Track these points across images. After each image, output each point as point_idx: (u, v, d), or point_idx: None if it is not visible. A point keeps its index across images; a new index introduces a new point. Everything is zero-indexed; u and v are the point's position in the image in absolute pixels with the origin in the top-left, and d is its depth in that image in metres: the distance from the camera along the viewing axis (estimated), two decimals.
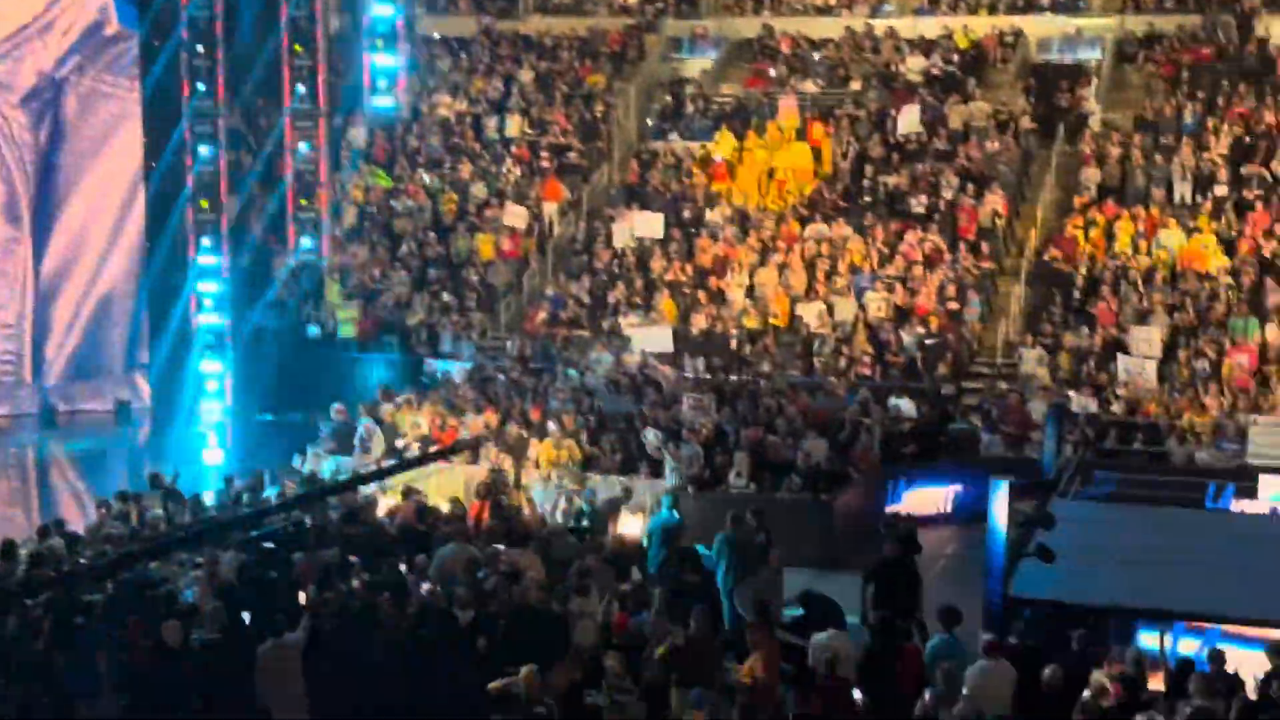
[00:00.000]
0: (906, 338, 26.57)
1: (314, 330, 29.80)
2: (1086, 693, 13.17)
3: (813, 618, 16.32)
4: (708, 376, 25.91)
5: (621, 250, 30.15)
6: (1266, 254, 26.98)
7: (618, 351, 27.19)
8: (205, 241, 29.63)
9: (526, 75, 35.47)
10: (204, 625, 15.07)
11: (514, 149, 33.34)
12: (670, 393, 24.49)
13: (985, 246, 28.76)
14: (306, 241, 31.61)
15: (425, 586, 16.19)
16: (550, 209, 32.32)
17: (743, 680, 14.02)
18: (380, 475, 20.18)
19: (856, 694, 13.82)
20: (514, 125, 34.08)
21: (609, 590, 16.45)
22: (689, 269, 29.34)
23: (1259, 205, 28.04)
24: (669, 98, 34.48)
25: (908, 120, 31.11)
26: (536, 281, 31.03)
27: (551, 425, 22.98)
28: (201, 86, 29.68)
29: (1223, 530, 19.70)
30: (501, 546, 17.82)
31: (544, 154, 33.13)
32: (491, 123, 34.29)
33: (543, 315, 28.87)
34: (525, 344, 27.66)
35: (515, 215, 31.34)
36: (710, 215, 30.57)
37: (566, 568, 16.76)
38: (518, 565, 16.67)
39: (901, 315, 27.16)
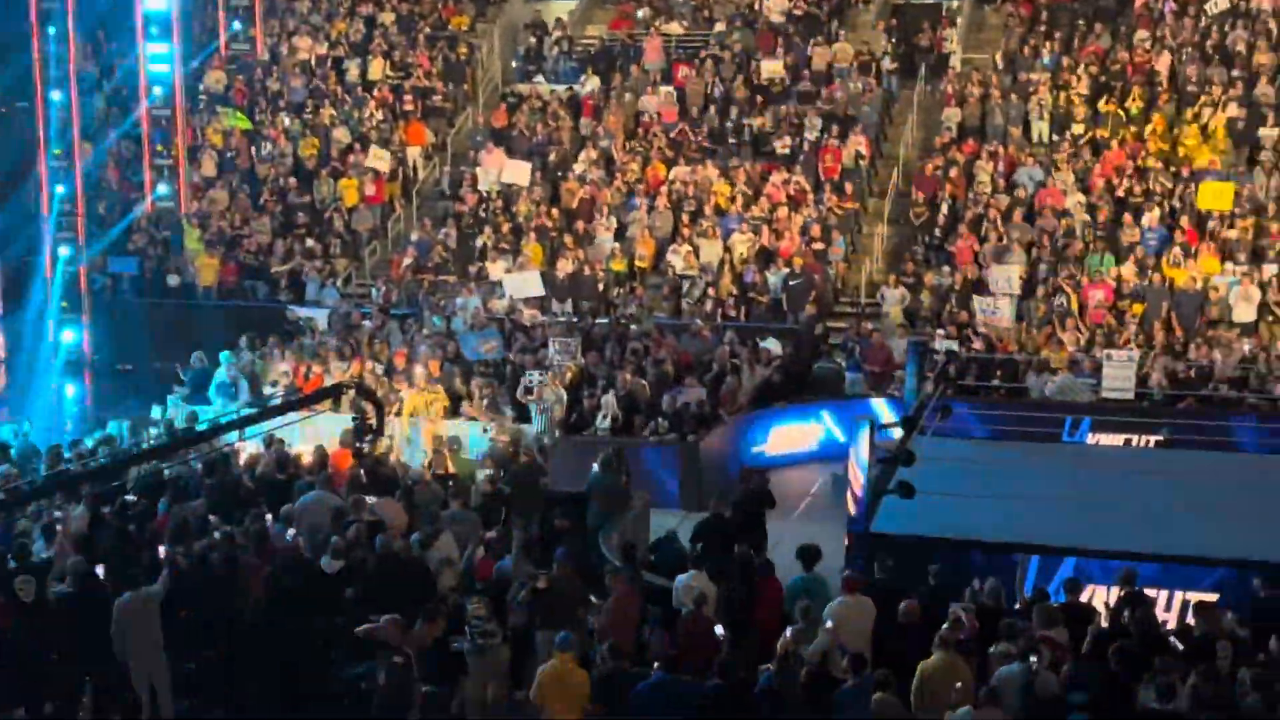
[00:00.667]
0: (772, 278, 26.70)
1: (173, 279, 29.20)
2: (944, 626, 13.40)
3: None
4: (575, 320, 25.83)
5: (487, 194, 29.91)
6: (1121, 192, 27.47)
7: (485, 296, 27.04)
8: (59, 189, 28.81)
9: (388, 17, 34.98)
10: (62, 579, 14.83)
11: (376, 92, 32.85)
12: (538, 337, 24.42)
13: (849, 187, 28.96)
14: (163, 188, 30.98)
15: (290, 534, 16.05)
16: (414, 153, 31.99)
17: (598, 623, 14.11)
18: (242, 424, 19.84)
19: (719, 630, 13.94)
20: (376, 68, 33.58)
21: (473, 537, 16.41)
22: (555, 212, 29.19)
23: (1114, 144, 28.54)
24: (533, 40, 34.19)
25: (770, 68, 31.21)
26: (401, 227, 30.72)
27: (419, 370, 22.78)
28: (52, 29, 28.77)
29: (1079, 463, 20.14)
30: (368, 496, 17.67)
31: (407, 97, 32.70)
32: (353, 66, 33.75)
33: (408, 261, 28.57)
34: (391, 290, 27.35)
35: (379, 159, 30.93)
36: (576, 158, 30.43)
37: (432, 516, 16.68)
38: (382, 514, 16.57)
39: (767, 256, 27.27)
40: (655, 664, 13.10)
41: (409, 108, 32.50)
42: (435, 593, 14.76)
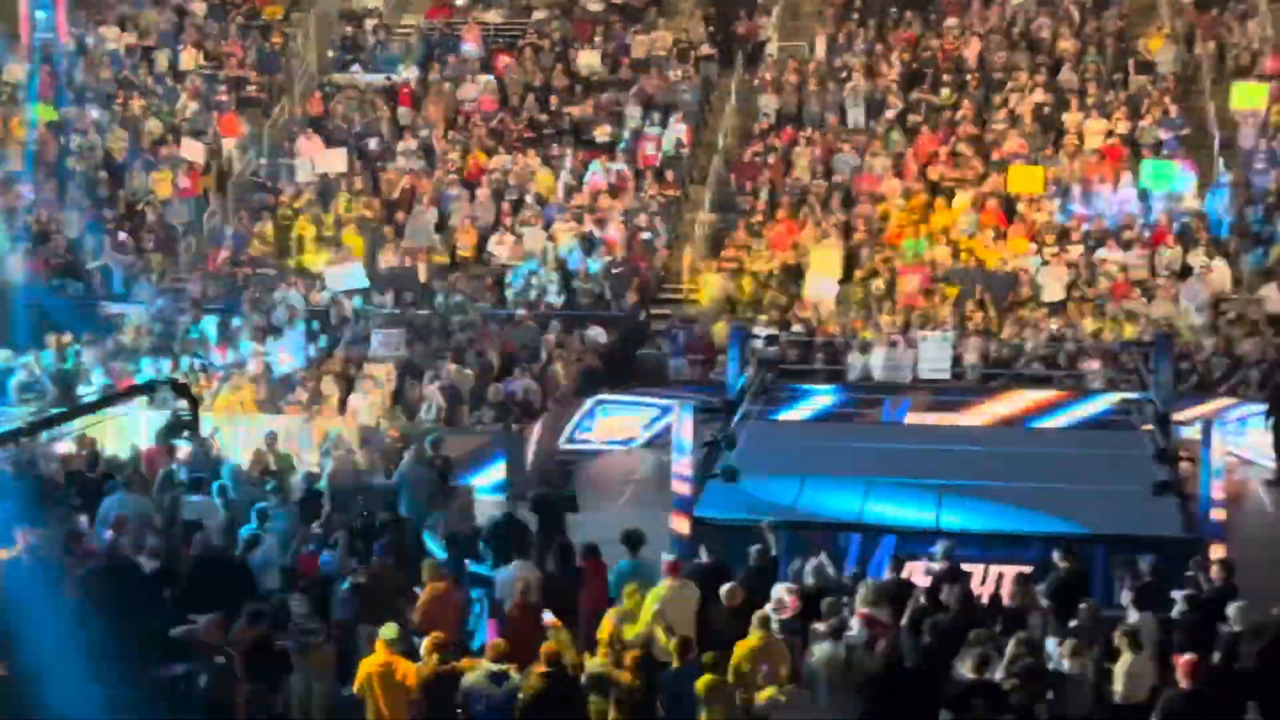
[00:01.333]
0: (595, 267, 26.75)
1: None
2: (767, 606, 13.58)
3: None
4: (398, 311, 25.58)
5: (306, 185, 29.44)
6: (934, 176, 28.07)
7: (306, 289, 26.66)
8: None
9: (199, 7, 34.23)
10: None
11: (189, 83, 32.13)
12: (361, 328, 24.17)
13: (669, 174, 29.15)
14: None
15: (108, 535, 15.65)
16: (230, 145, 31.35)
17: (414, 617, 14.03)
18: (53, 423, 19.30)
19: (549, 616, 13.94)
20: (188, 58, 32.86)
21: (296, 532, 16.19)
22: (376, 203, 28.88)
23: (927, 129, 29.14)
24: (349, 29, 33.76)
25: (587, 61, 31.25)
26: (217, 220, 30.10)
27: (237, 368, 22.38)
28: None
29: (899, 442, 20.54)
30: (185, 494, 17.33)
31: (221, 88, 32.04)
32: (163, 56, 32.98)
33: (225, 254, 28.02)
34: (207, 285, 26.81)
35: (193, 151, 30.24)
36: (396, 148, 30.14)
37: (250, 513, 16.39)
38: (201, 512, 16.27)
39: (589, 244, 27.30)
40: (483, 655, 13.04)
41: (222, 99, 31.83)
42: (256, 591, 14.53)
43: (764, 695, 12.56)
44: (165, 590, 14.61)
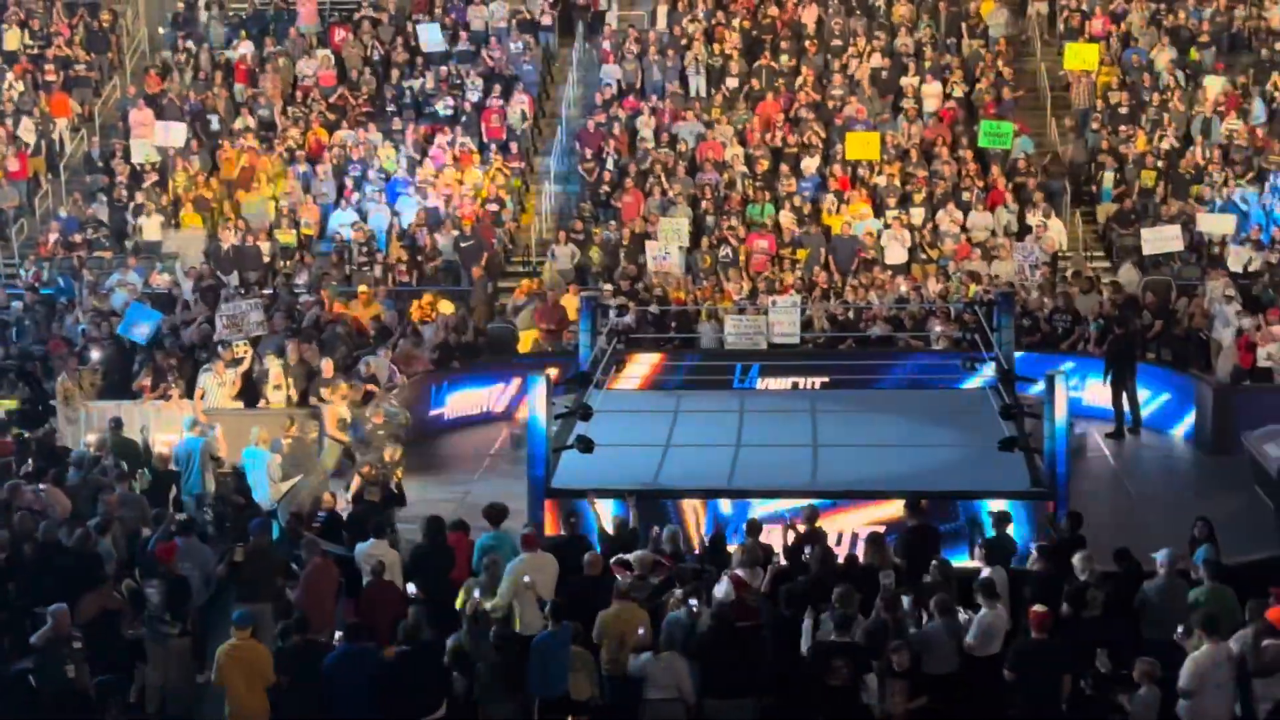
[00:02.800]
0: (442, 241, 26.51)
1: None
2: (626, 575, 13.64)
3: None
4: (242, 291, 25.07)
5: (142, 165, 28.73)
6: (777, 143, 28.28)
7: (145, 271, 26.07)
8: None
9: None
10: None
11: (15, 64, 31.13)
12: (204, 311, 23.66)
13: (514, 147, 29.01)
14: None
15: None
16: (61, 125, 30.49)
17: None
18: None
19: (412, 588, 13.86)
20: (13, 38, 31.85)
21: (146, 518, 15.90)
22: (214, 182, 28.30)
23: (769, 96, 29.34)
24: (181, 4, 33.01)
25: (428, 35, 30.92)
26: (49, 203, 29.26)
27: (95, 354, 21.78)
28: None
29: (751, 408, 20.68)
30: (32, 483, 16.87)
31: (49, 67, 31.11)
32: None
33: (56, 237, 27.22)
34: (40, 270, 26.06)
35: (23, 131, 29.35)
36: (234, 125, 29.57)
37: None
38: (47, 500, 15.87)
39: (435, 219, 27.05)
40: (339, 634, 12.92)
41: (51, 78, 30.94)
42: (104, 580, 14.26)
43: (634, 660, 12.62)
44: (8, 584, 14.28)
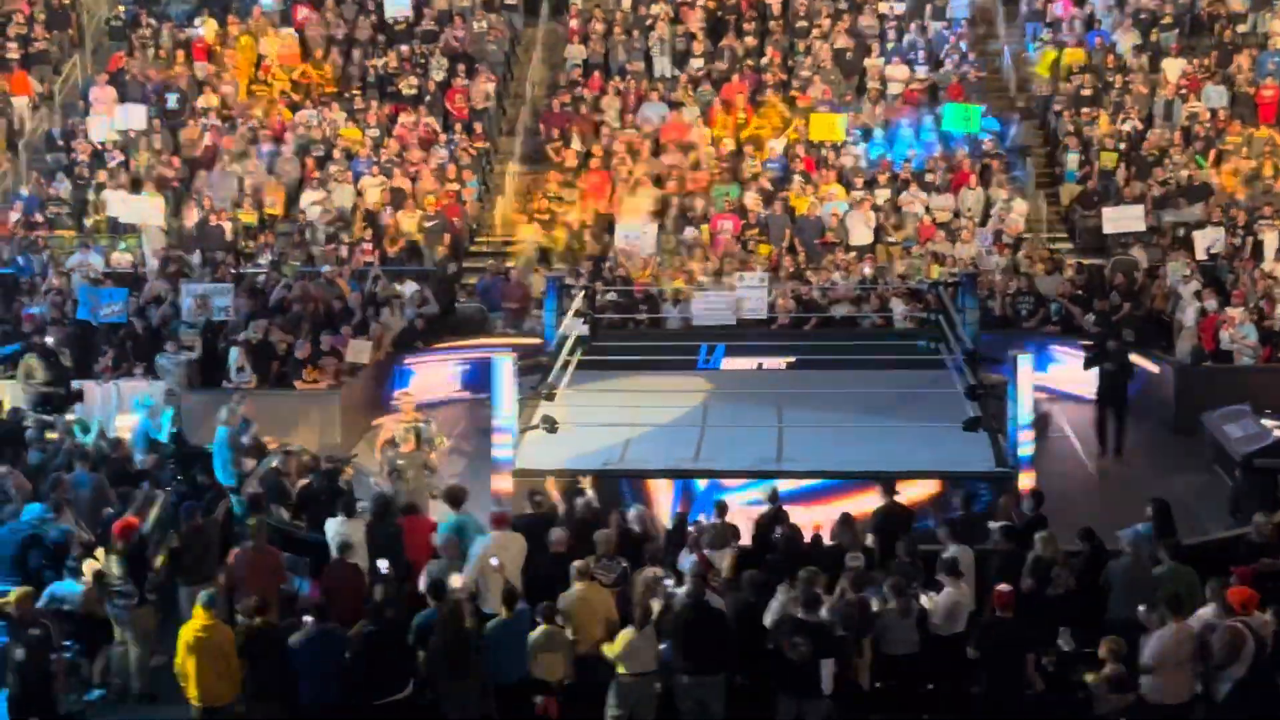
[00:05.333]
0: (406, 221, 26.41)
1: None
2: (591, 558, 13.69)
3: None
4: (209, 271, 24.94)
5: (103, 144, 28.50)
6: (742, 123, 28.26)
7: (106, 251, 25.93)
8: None
9: None
10: None
11: None
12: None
13: (479, 126, 28.91)
14: None
15: None
16: (20, 104, 30.20)
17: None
18: None
19: (384, 565, 13.86)
20: None
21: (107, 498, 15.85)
22: (176, 161, 28.10)
23: (735, 77, 29.31)
24: None
25: (394, 2, 30.77)
26: (9, 182, 29.01)
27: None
28: None
29: (716, 388, 20.72)
30: None
31: (10, 45, 30.80)
32: None
33: (16, 217, 26.99)
34: (0, 248, 25.86)
35: None
36: (196, 103, 29.36)
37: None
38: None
39: (400, 198, 26.95)
40: (304, 615, 12.89)
41: (10, 56, 30.64)
42: (65, 561, 14.22)
43: (611, 649, 12.65)
44: None
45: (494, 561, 13.55)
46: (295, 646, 12.53)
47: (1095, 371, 20.85)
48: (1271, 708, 12.23)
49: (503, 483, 16.76)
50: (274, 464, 17.22)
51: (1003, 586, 12.94)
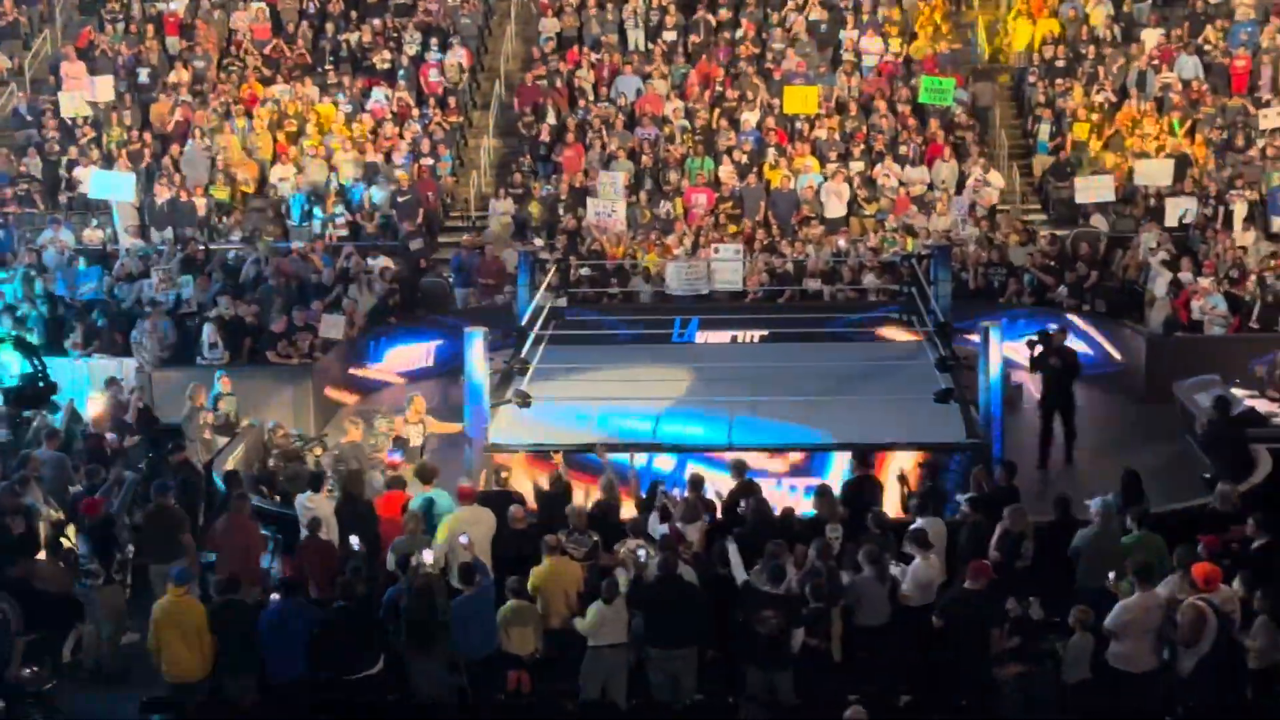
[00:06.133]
0: (380, 196, 26.32)
1: None
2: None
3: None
4: (179, 247, 24.84)
5: (73, 119, 28.33)
6: (716, 96, 28.20)
7: (78, 228, 25.80)
8: None
9: None
10: None
11: None
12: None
13: (452, 101, 28.80)
14: None
15: None
16: None
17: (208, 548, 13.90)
18: None
19: (355, 541, 13.88)
20: None
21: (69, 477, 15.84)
22: (148, 136, 27.95)
23: (708, 50, 29.23)
24: None
25: None
26: None
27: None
28: None
29: (690, 362, 20.72)
30: None
31: None
32: None
33: None
34: None
35: None
36: (168, 79, 29.20)
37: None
38: None
39: (373, 174, 26.85)
40: (274, 591, 12.90)
41: None
42: (35, 540, 14.20)
43: (582, 622, 12.69)
44: None
45: (463, 539, 13.54)
46: (265, 622, 12.53)
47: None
48: (1235, 684, 12.30)
49: (475, 457, 16.76)
50: (252, 439, 17.21)
51: (977, 560, 12.98)
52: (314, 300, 22.16)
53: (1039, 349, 18.96)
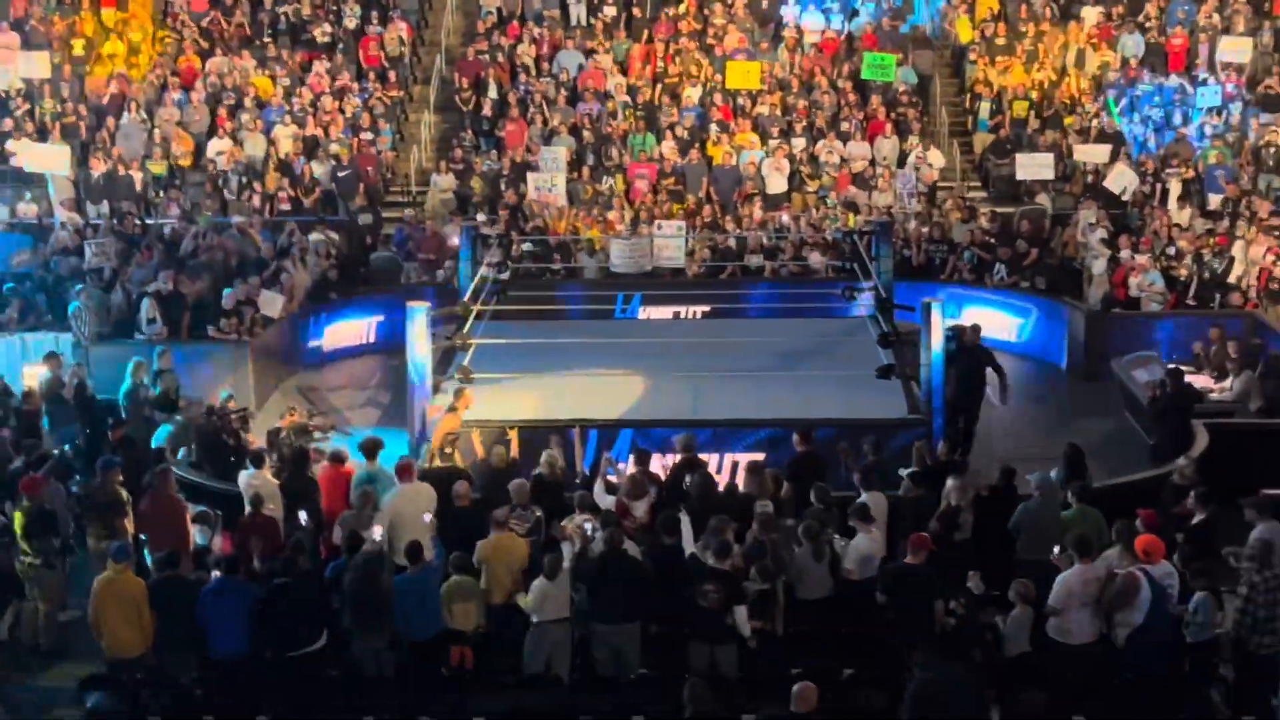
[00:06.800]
0: (319, 170, 26.11)
1: None
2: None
3: None
4: (114, 222, 24.53)
5: (6, 92, 27.90)
6: (658, 72, 28.16)
7: (12, 202, 25.46)
8: None
9: None
10: None
11: None
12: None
13: (393, 75, 28.60)
14: None
15: None
16: None
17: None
18: None
19: (303, 517, 13.78)
20: None
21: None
22: (83, 109, 27.58)
23: (651, 25, 29.16)
24: None
25: None
26: None
27: None
28: None
29: (633, 337, 20.71)
30: None
31: None
32: None
33: None
34: None
35: None
36: (103, 51, 28.81)
37: None
38: None
39: (313, 147, 26.63)
40: (214, 567, 12.80)
41: None
42: None
43: (525, 599, 12.68)
44: None
45: (426, 518, 13.51)
46: (205, 598, 12.44)
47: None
48: (1170, 655, 12.44)
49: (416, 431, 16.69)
50: (192, 414, 17.06)
51: (917, 534, 13.05)
52: (254, 276, 21.97)
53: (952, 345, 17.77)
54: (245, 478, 14.51)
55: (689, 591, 12.56)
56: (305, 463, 14.86)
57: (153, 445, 16.25)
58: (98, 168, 25.90)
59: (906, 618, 12.67)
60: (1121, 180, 24.67)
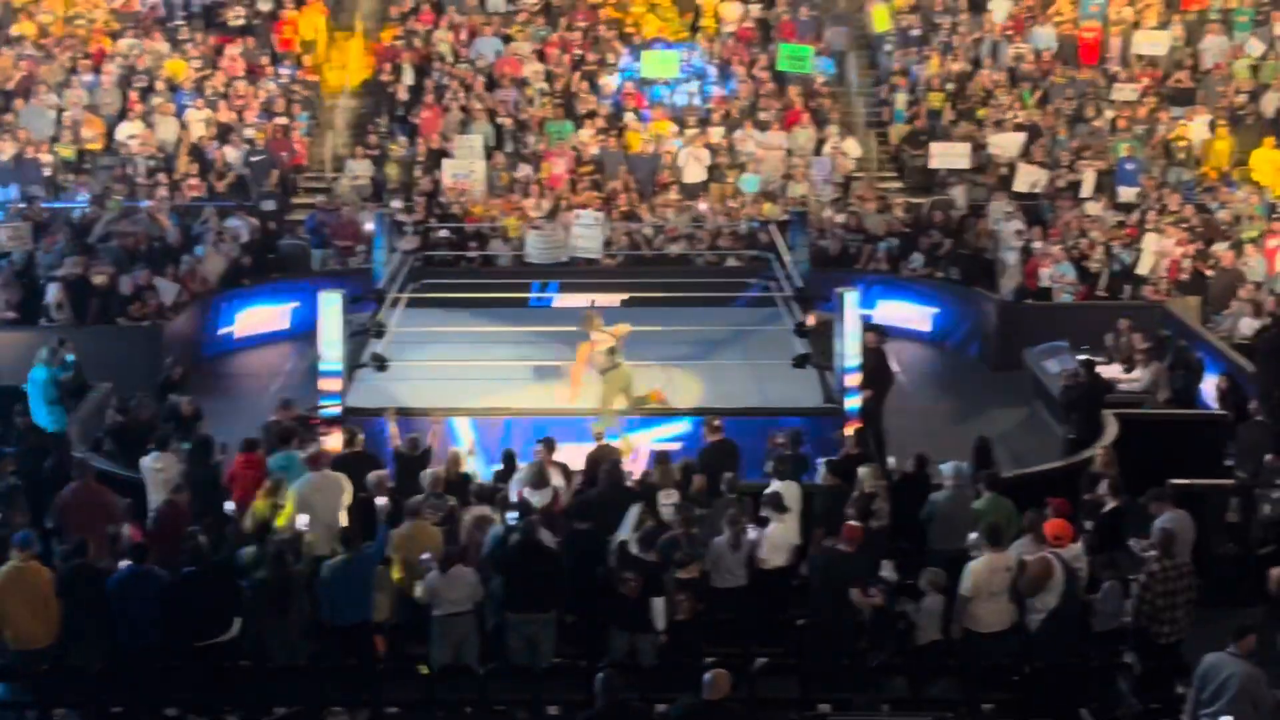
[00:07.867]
0: (233, 155, 25.79)
1: None
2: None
3: None
4: (23, 206, 24.11)
5: None
6: (577, 59, 28.07)
7: None
8: None
9: None
10: None
11: None
12: None
13: (307, 59, 28.30)
14: None
15: None
16: None
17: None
18: None
19: (231, 509, 13.65)
20: None
21: None
22: None
23: (569, 12, 29.07)
24: None
25: None
26: None
27: None
28: None
29: (548, 325, 20.63)
30: None
31: None
32: None
33: None
34: None
35: None
36: (10, 30, 28.31)
37: None
38: None
39: (226, 132, 26.30)
40: (123, 556, 12.63)
41: None
42: None
43: (418, 595, 12.62)
44: None
45: (301, 521, 13.38)
46: (112, 588, 12.26)
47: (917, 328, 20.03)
48: (1082, 638, 12.60)
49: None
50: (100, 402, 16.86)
51: (852, 523, 13.08)
52: (164, 262, 21.69)
53: None
54: (149, 464, 14.31)
55: (608, 578, 12.56)
56: (209, 450, 14.68)
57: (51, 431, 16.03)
58: (6, 151, 25.43)
59: (823, 605, 12.75)
60: (1029, 178, 24.94)
